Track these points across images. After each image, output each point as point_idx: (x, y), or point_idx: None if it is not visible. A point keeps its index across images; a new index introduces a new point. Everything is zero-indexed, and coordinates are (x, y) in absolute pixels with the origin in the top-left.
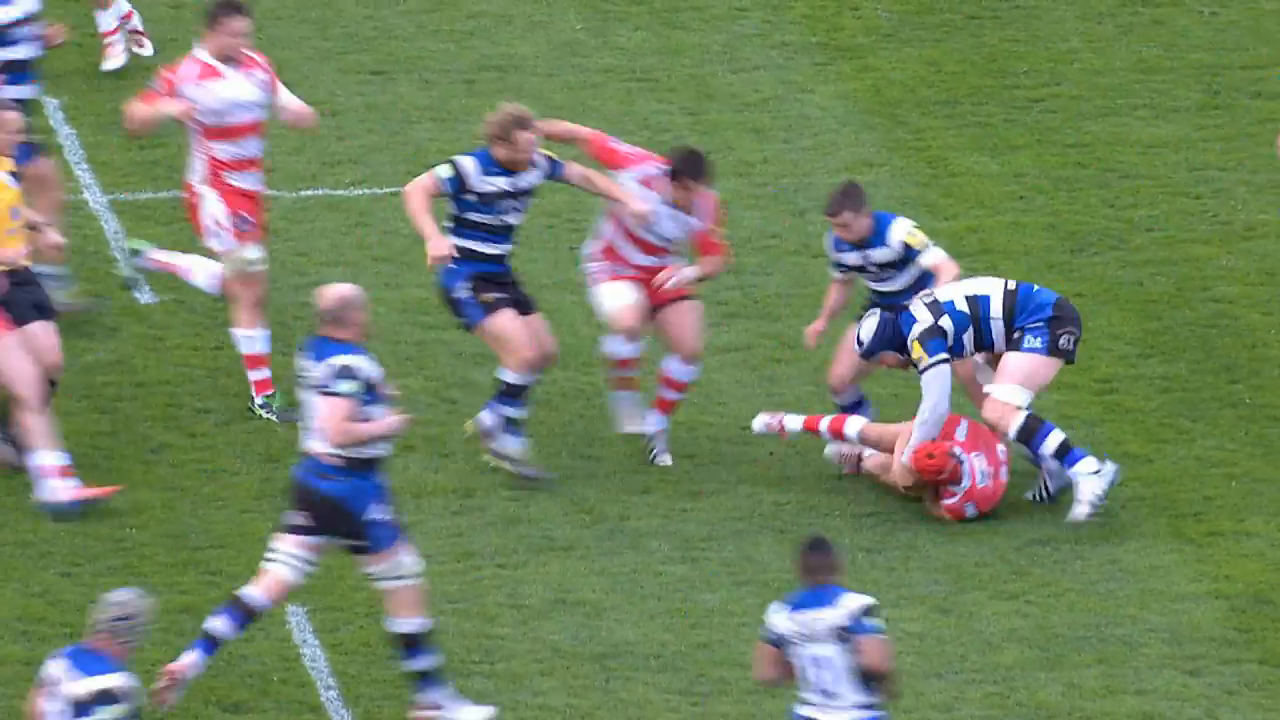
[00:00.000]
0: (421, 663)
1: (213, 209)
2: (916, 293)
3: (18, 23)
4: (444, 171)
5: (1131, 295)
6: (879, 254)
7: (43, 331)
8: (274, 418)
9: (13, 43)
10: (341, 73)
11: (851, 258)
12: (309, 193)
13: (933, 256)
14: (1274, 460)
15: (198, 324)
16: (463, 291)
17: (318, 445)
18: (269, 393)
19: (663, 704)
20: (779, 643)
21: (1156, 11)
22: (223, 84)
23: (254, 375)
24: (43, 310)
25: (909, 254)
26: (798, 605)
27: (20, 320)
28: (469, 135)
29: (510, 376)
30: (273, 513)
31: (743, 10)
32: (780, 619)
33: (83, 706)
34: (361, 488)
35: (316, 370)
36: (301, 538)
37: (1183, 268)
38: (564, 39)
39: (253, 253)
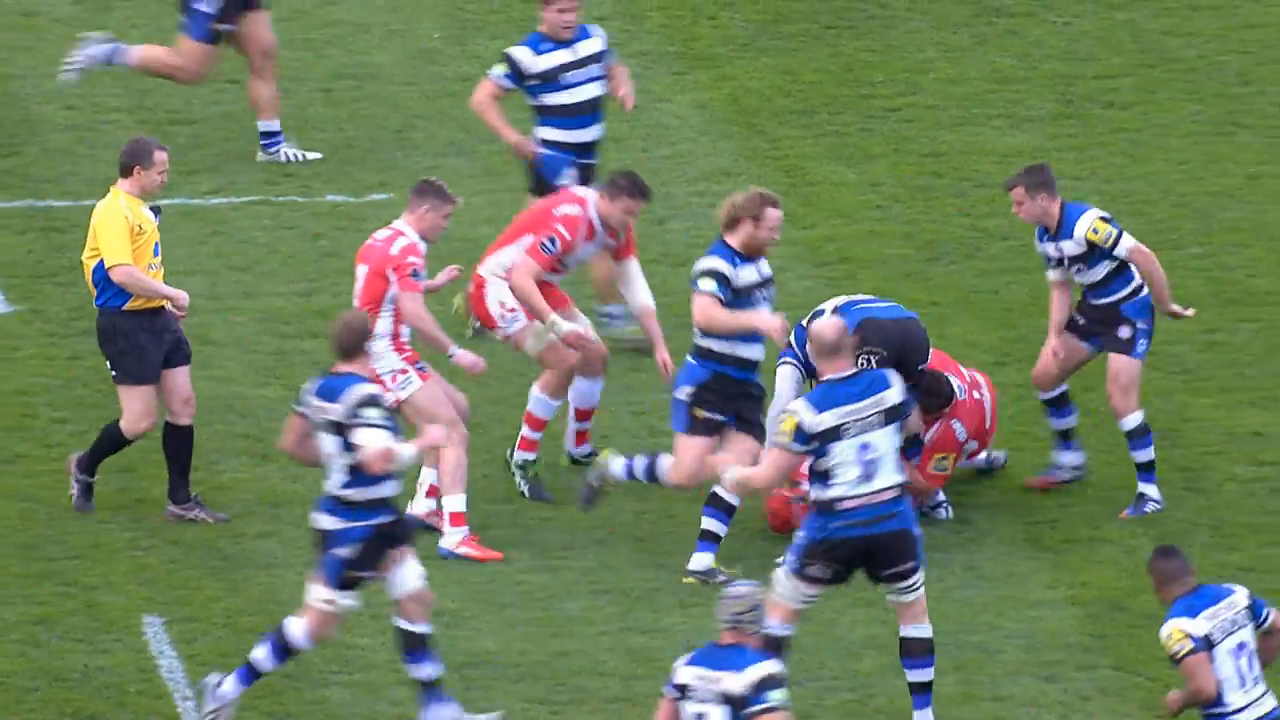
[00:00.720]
0: (924, 676)
1: (498, 294)
2: (1121, 286)
3: (587, 60)
4: (710, 285)
5: (987, 304)
6: (1067, 246)
7: (180, 374)
8: (524, 486)
9: (592, 79)
10: None
11: (1048, 248)
12: (165, 202)
13: (1124, 246)
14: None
15: (52, 333)
16: (684, 394)
17: (884, 481)
18: (531, 456)
19: (521, 713)
20: (1207, 646)
21: (1010, 22)
22: (589, 245)
23: (528, 433)
24: (183, 352)
25: (1096, 249)
26: (1198, 608)
27: (167, 363)
28: (326, 144)
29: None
30: (130, 523)
31: (600, 19)
32: (1195, 624)
33: (746, 698)
34: (909, 509)
35: (871, 408)
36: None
37: (1037, 276)
38: (421, 47)
39: (562, 324)
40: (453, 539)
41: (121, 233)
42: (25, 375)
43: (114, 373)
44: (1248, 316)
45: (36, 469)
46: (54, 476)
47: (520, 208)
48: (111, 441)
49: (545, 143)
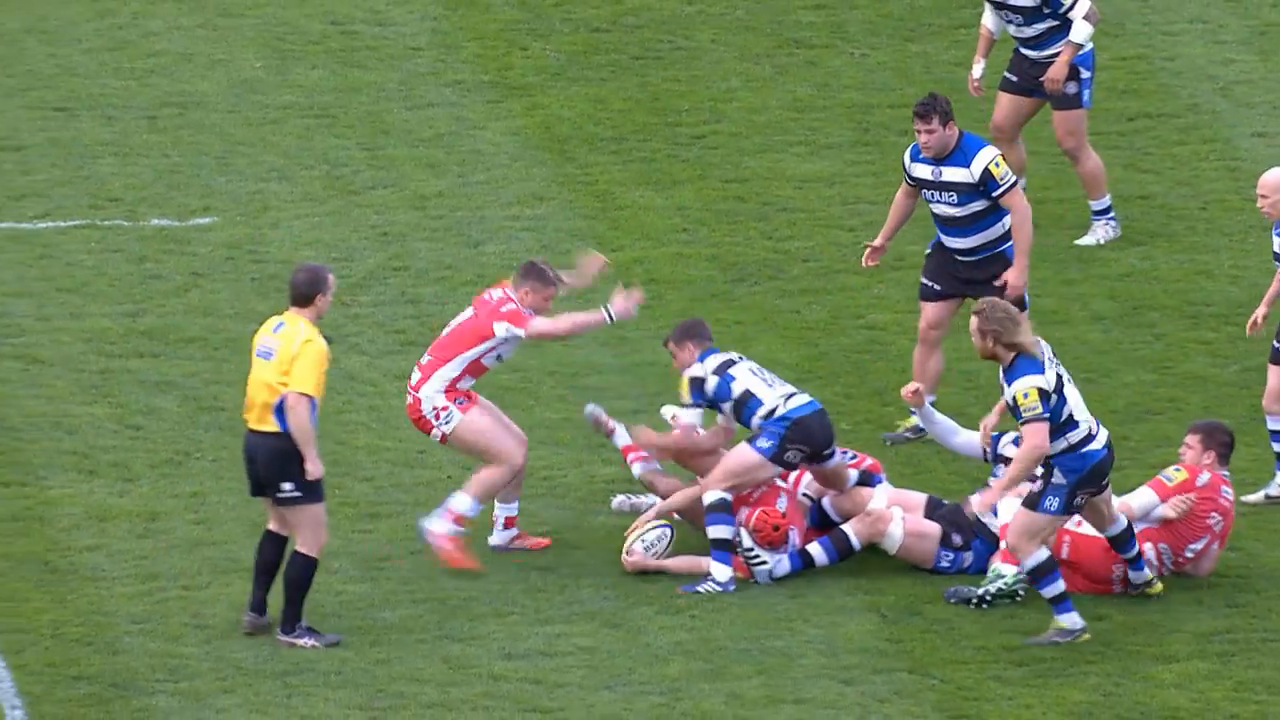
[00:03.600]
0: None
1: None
2: None
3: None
4: None
5: (789, 323)
6: None
7: None
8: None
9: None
10: (26, 109)
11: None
12: None
13: None
14: (921, 479)
15: None
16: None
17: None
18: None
19: (342, 718)
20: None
21: (810, 53)
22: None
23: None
24: None
25: None
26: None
27: None
28: (151, 170)
29: None
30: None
31: (417, 49)
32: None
33: None
34: None
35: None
36: None
37: (837, 296)
38: (243, 76)
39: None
40: (442, 525)
41: (322, 366)
42: None
43: (298, 494)
44: (1035, 334)
45: None
46: None
47: (338, 233)
48: (304, 574)
49: None
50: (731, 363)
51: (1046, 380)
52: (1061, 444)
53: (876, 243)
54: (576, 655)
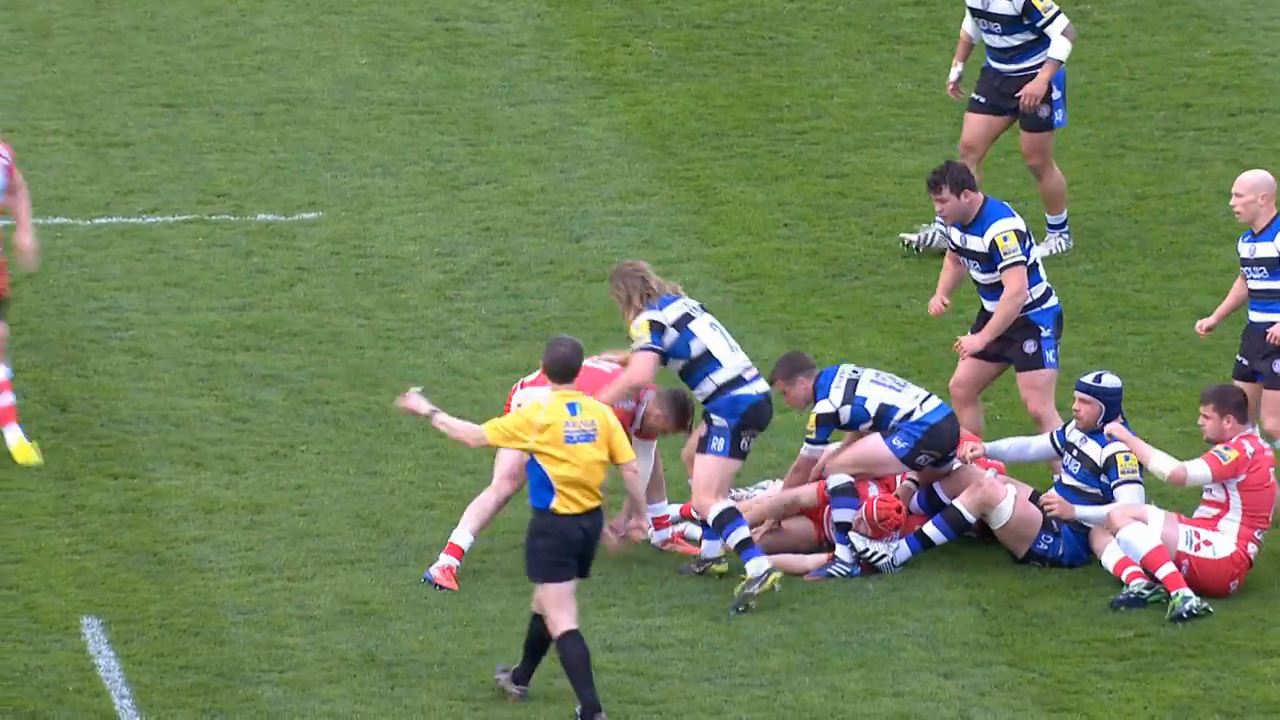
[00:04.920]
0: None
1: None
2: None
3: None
4: None
5: (890, 318)
6: (1262, 248)
7: None
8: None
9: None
10: (134, 105)
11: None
12: (103, 221)
13: None
14: (1020, 471)
15: None
16: None
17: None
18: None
19: (445, 710)
20: None
21: (910, 49)
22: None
23: None
24: None
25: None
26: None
27: None
28: (258, 165)
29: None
30: (69, 528)
31: (520, 46)
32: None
33: None
34: None
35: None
36: None
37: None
38: (349, 73)
39: None
40: (438, 565)
41: None
42: None
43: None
44: (1135, 330)
45: None
46: None
47: (442, 228)
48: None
49: None
50: (855, 383)
51: (664, 315)
52: (708, 386)
53: (938, 299)
54: (677, 647)
